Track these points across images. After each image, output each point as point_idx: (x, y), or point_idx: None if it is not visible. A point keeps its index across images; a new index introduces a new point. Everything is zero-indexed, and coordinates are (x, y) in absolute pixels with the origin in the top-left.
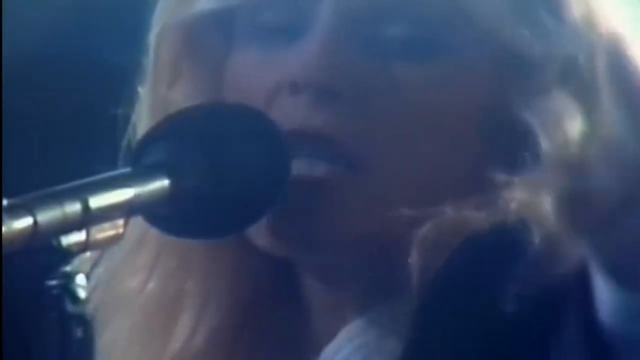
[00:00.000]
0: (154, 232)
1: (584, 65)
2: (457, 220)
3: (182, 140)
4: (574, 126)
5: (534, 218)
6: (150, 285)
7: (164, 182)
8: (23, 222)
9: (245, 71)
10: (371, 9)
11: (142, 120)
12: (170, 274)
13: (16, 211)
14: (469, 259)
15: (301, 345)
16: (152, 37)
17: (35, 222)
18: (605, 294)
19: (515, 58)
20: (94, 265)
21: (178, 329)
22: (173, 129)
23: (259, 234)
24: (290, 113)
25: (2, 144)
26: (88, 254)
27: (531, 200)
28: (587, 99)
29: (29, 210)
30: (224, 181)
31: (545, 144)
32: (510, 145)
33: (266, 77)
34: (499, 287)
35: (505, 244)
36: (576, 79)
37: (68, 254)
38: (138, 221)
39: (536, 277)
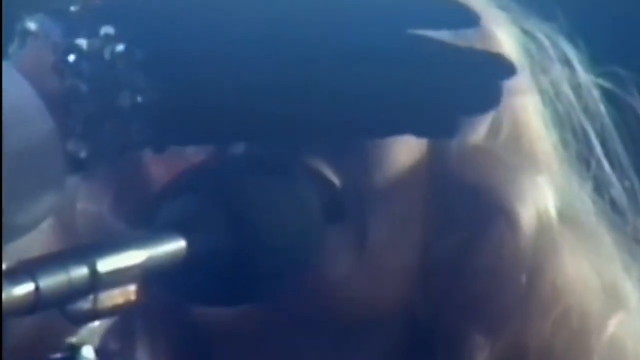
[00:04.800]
0: None
1: None
2: None
3: (202, 197)
4: None
5: None
6: None
7: (180, 244)
8: (24, 288)
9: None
10: None
11: None
12: None
13: (16, 276)
14: None
15: None
16: None
17: (37, 288)
18: None
19: None
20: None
21: None
22: (192, 184)
23: None
24: None
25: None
26: (96, 323)
27: None
28: None
29: (30, 274)
30: (247, 246)
31: None
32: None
33: None
34: None
35: None
36: None
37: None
38: None
39: None
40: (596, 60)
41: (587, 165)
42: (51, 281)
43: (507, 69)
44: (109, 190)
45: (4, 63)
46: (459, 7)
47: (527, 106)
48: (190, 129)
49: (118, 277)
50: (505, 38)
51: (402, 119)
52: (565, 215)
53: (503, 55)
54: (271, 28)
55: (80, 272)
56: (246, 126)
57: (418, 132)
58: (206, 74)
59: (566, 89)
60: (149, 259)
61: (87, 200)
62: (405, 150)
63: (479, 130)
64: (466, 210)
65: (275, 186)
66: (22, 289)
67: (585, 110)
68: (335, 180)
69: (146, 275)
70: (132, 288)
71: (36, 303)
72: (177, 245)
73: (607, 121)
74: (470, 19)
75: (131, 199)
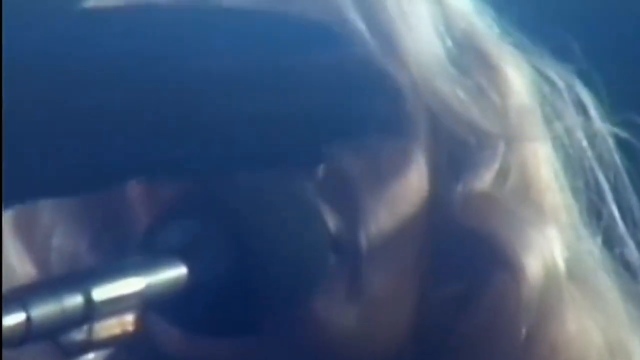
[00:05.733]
0: None
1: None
2: None
3: (204, 220)
4: None
5: None
6: None
7: (181, 271)
8: (15, 318)
9: None
10: None
11: None
12: None
13: (7, 305)
14: None
15: None
16: None
17: (28, 318)
18: None
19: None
20: None
21: None
22: (194, 206)
23: None
24: None
25: (2, 146)
26: (90, 355)
27: None
28: None
29: (21, 303)
30: (252, 272)
31: None
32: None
33: None
34: None
35: None
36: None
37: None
38: None
39: None
40: (614, 107)
41: (598, 217)
42: (43, 310)
43: (375, 88)
44: (88, 225)
45: None
46: (319, 27)
47: (537, 152)
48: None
49: (115, 306)
50: (515, 77)
51: (261, 150)
52: (572, 270)
53: (374, 74)
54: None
55: (75, 300)
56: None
57: (281, 163)
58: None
59: (580, 135)
60: (148, 287)
61: (64, 237)
62: (405, 193)
63: (484, 177)
64: (468, 259)
65: (278, 214)
66: (13, 319)
67: (599, 159)
68: (332, 219)
69: (145, 303)
70: (129, 318)
71: (27, 334)
72: (177, 271)
73: (622, 172)
74: (329, 40)
75: (114, 234)
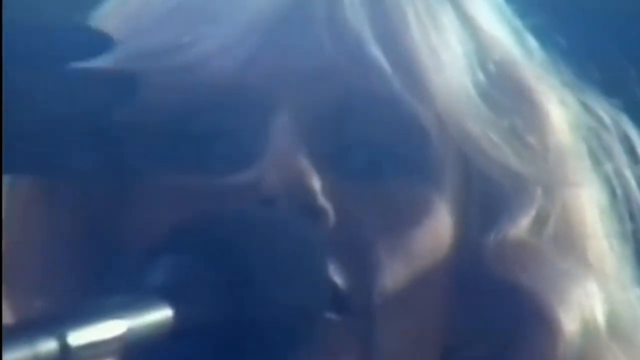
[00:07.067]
0: None
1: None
2: None
3: (195, 258)
4: None
5: None
6: None
7: (166, 313)
8: None
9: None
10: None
11: None
12: None
13: None
14: None
15: None
16: None
17: None
18: None
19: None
20: None
21: None
22: (181, 242)
23: None
24: None
25: (2, 145)
26: None
27: None
28: None
29: None
30: (241, 318)
31: None
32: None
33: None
34: None
35: None
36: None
37: None
38: None
39: None
40: None
41: None
42: (14, 356)
43: (391, 128)
44: (66, 259)
45: None
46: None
47: (580, 195)
48: None
49: (93, 352)
50: (556, 113)
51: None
52: (615, 325)
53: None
54: None
55: (49, 346)
56: None
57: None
58: None
59: (628, 176)
60: (130, 331)
61: (40, 273)
62: (426, 245)
63: (520, 223)
64: (501, 312)
65: (276, 261)
66: None
67: None
68: (340, 274)
69: (126, 349)
70: None
71: None
72: (162, 314)
73: None
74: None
75: (94, 270)
